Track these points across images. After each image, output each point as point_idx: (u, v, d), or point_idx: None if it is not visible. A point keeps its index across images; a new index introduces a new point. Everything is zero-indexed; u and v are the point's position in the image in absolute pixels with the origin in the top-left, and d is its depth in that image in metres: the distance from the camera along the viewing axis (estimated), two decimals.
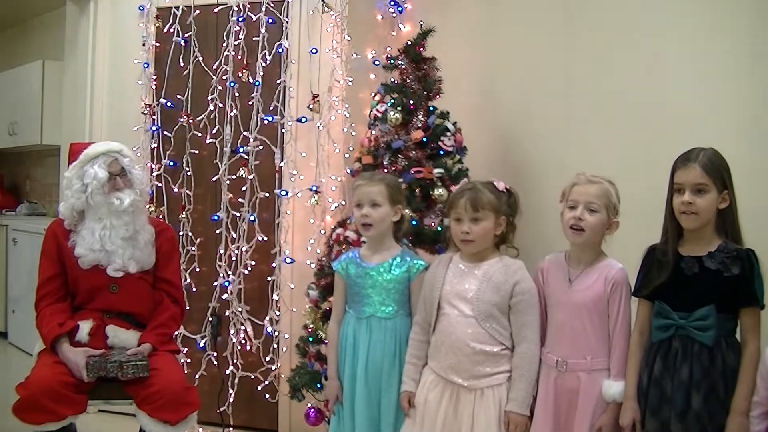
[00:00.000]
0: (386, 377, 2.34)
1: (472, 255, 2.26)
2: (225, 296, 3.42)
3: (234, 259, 3.42)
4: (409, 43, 2.90)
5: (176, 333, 3.15)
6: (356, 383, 2.36)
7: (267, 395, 3.36)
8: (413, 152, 2.77)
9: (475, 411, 2.15)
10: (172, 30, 3.59)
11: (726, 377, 1.85)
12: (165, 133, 3.59)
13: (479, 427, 2.14)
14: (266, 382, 3.35)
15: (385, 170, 2.75)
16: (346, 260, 2.47)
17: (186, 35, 3.57)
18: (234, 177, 3.42)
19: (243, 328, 3.40)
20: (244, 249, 3.40)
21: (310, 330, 2.88)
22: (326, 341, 2.61)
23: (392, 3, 3.25)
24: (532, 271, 2.24)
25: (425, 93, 2.86)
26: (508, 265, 2.23)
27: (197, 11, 3.57)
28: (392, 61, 2.94)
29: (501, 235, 2.26)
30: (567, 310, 2.13)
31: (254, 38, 3.42)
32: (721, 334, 1.88)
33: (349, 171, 3.12)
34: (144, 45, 3.65)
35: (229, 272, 3.42)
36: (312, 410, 2.97)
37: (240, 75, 3.41)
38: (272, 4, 3.42)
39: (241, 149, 3.41)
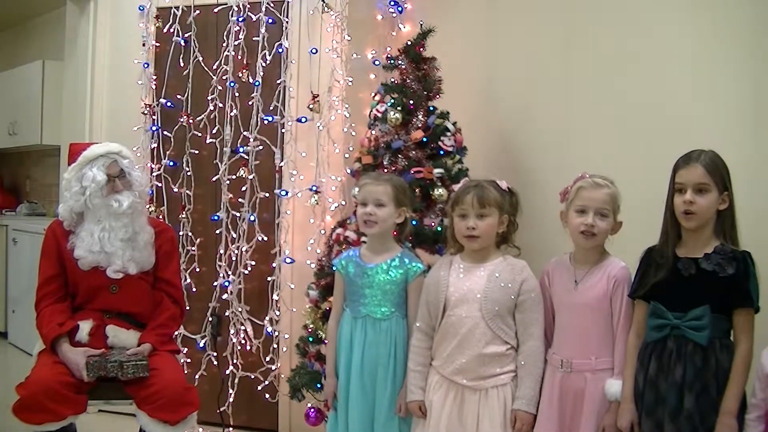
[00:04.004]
0: (381, 377, 2.35)
1: (475, 254, 2.26)
2: (225, 296, 3.41)
3: (234, 259, 3.42)
4: (409, 43, 2.90)
5: (176, 333, 3.15)
6: (351, 382, 2.37)
7: (267, 395, 3.37)
8: (413, 152, 2.77)
9: (480, 411, 2.16)
10: (172, 30, 3.58)
11: (719, 378, 1.86)
12: (165, 133, 3.59)
13: (484, 427, 2.15)
14: (266, 382, 3.35)
15: (385, 170, 2.75)
16: (346, 259, 2.48)
17: (186, 35, 3.57)
18: (234, 177, 3.42)
19: (243, 328, 3.40)
20: (244, 249, 3.40)
21: (310, 330, 2.88)
22: (326, 341, 2.61)
23: (392, 3, 3.25)
24: (533, 270, 2.25)
25: (425, 93, 2.86)
26: (514, 264, 2.24)
27: (197, 11, 3.57)
28: (392, 61, 2.94)
29: (502, 234, 2.27)
30: (572, 311, 2.14)
31: (254, 38, 3.42)
32: (715, 335, 1.88)
33: (349, 171, 3.12)
34: (144, 45, 3.65)
35: (229, 272, 3.41)
36: (312, 410, 2.97)
37: (240, 75, 3.41)
38: (272, 4, 3.42)
39: (241, 149, 3.41)
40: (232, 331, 3.40)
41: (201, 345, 3.46)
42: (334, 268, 2.52)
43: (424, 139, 2.78)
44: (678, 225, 1.96)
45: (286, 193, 3.36)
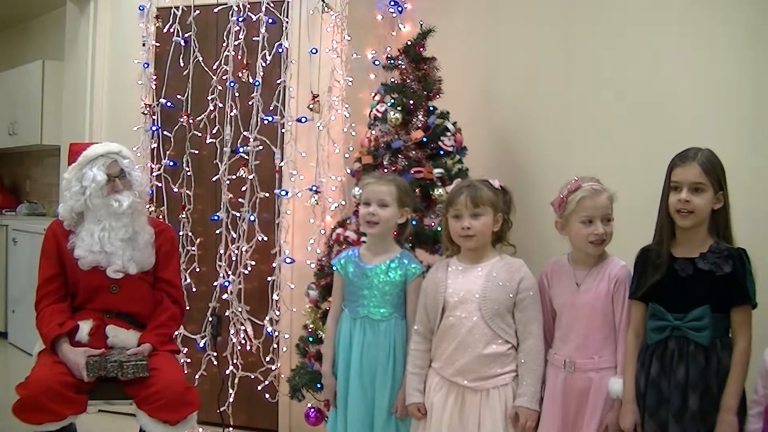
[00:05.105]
0: (380, 377, 2.35)
1: (471, 254, 2.26)
2: (225, 296, 3.42)
3: (234, 259, 3.42)
4: (409, 43, 2.90)
5: (176, 333, 3.15)
6: (350, 382, 2.37)
7: (267, 395, 3.36)
8: (413, 152, 2.77)
9: (481, 412, 2.16)
10: (172, 30, 3.59)
11: (720, 377, 1.86)
12: (165, 133, 3.60)
13: (486, 429, 2.14)
14: (266, 382, 3.35)
15: (385, 170, 2.75)
16: (346, 258, 2.47)
17: (186, 35, 3.57)
18: (234, 177, 3.42)
19: (243, 328, 3.40)
20: (244, 249, 3.40)
21: (310, 330, 2.88)
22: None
23: (392, 3, 3.25)
24: (532, 270, 2.25)
25: (425, 93, 2.86)
26: (511, 263, 2.24)
27: (197, 11, 3.57)
28: (392, 61, 2.94)
29: (497, 233, 2.27)
30: (575, 311, 2.14)
31: (254, 38, 3.42)
32: (716, 335, 1.88)
33: (349, 171, 3.12)
34: (144, 45, 3.65)
35: (229, 272, 3.42)
36: (312, 410, 2.97)
37: (240, 75, 3.42)
38: (272, 4, 3.42)
39: (241, 149, 3.41)
40: (232, 331, 3.40)
41: (201, 345, 3.46)
42: (333, 268, 2.52)
43: (424, 139, 2.78)
44: (672, 223, 1.96)
45: (286, 193, 3.36)
